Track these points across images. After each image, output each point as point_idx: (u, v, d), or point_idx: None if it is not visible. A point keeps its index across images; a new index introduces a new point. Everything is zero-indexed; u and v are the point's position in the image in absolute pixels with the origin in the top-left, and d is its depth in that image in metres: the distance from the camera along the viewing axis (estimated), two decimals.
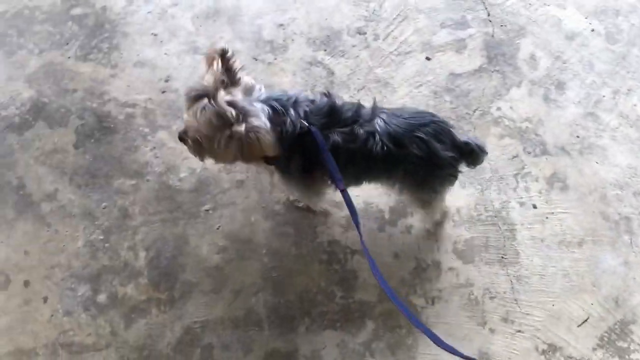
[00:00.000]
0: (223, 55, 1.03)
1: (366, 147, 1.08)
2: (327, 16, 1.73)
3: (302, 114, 1.10)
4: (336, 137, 1.09)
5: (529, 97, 1.65)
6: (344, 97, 1.67)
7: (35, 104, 1.63)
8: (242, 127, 1.00)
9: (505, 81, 1.67)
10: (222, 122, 1.01)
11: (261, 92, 1.09)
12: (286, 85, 1.67)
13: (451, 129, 1.15)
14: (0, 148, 1.57)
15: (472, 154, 1.16)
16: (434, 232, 1.51)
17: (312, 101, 1.13)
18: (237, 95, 1.04)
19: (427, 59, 1.70)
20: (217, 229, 1.54)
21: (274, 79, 1.68)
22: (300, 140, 1.09)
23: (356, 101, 1.15)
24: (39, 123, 1.59)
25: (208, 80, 1.02)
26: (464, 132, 1.45)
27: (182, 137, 1.10)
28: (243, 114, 1.01)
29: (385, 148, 1.08)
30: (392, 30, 1.73)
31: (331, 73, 1.66)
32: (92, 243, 1.50)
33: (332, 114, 1.11)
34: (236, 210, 1.55)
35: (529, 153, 1.58)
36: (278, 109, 1.07)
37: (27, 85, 1.64)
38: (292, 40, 1.70)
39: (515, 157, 1.58)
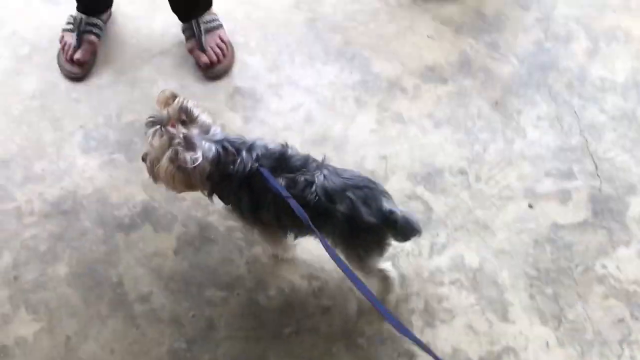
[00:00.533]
0: (174, 98, 1.20)
1: (303, 194, 1.17)
2: (430, 153, 1.79)
3: (254, 156, 1.21)
4: (280, 180, 1.18)
5: (638, 258, 1.58)
6: (442, 235, 1.66)
7: (146, 208, 1.76)
8: (167, 156, 1.15)
9: (612, 238, 1.63)
10: (167, 148, 1.14)
11: (217, 132, 1.24)
12: None
13: (383, 197, 1.20)
14: (108, 245, 1.65)
15: (396, 226, 1.18)
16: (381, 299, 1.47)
17: (267, 147, 1.24)
18: (193, 131, 1.18)
19: (530, 206, 1.69)
20: (297, 354, 1.54)
21: None
22: (249, 181, 1.20)
23: (304, 153, 1.27)
24: (145, 226, 1.69)
25: (167, 112, 1.17)
26: (407, 209, 1.40)
27: (143, 158, 1.27)
28: (187, 146, 1.14)
29: (317, 199, 1.16)
30: (495, 174, 1.75)
31: (429, 209, 1.69)
32: (175, 351, 1.55)
33: (281, 160, 1.23)
34: (318, 338, 1.56)
35: (637, 319, 1.49)
36: (229, 150, 1.21)
37: (142, 189, 1.77)
38: (393, 172, 1.76)
39: (620, 321, 1.50)
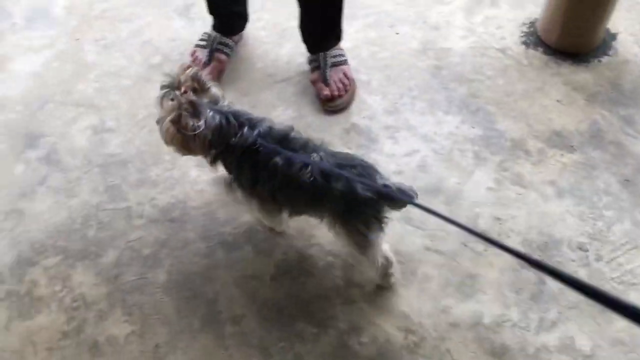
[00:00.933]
0: (195, 72, 1.27)
1: (299, 174, 1.22)
2: (549, 223, 1.71)
3: (255, 132, 1.27)
4: (278, 159, 1.24)
5: None
6: (552, 311, 1.62)
7: (250, 230, 1.79)
8: (170, 118, 1.22)
9: None
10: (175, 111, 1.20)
11: (225, 104, 1.31)
12: (490, 281, 1.67)
13: (376, 173, 1.25)
14: (209, 259, 1.67)
15: (391, 197, 1.21)
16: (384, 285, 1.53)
17: (271, 127, 1.30)
18: (202, 99, 1.25)
19: None
20: None
21: (479, 270, 1.67)
22: (250, 155, 1.27)
23: (306, 137, 1.33)
24: (247, 247, 1.70)
25: (180, 78, 1.23)
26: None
27: (157, 121, 1.31)
28: (193, 111, 1.20)
29: (313, 179, 1.21)
30: (618, 256, 1.65)
31: (542, 281, 1.60)
32: None
33: (282, 140, 1.28)
34: None
35: None
36: (232, 122, 1.27)
37: (249, 212, 1.77)
38: (508, 236, 1.69)
39: None
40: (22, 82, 2.21)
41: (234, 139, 1.26)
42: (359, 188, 1.20)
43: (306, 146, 1.28)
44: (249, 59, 2.22)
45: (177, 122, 1.20)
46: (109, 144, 2.01)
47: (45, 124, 2.03)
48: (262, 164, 1.26)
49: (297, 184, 1.23)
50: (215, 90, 1.30)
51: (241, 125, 1.27)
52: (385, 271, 1.51)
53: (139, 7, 2.39)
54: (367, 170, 1.25)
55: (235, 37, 2.18)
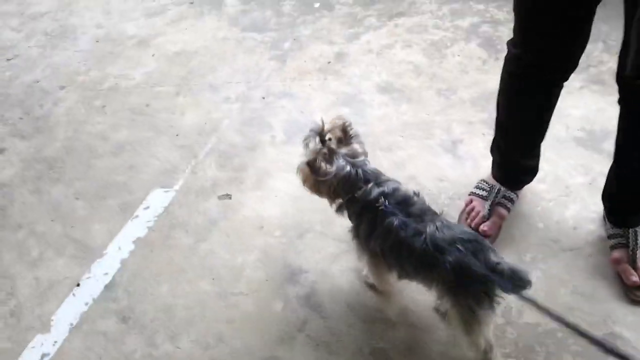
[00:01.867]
0: (344, 123, 1.39)
1: (412, 240, 1.29)
2: None
3: (378, 191, 1.38)
4: (394, 219, 1.32)
5: None
6: None
7: None
8: (305, 159, 1.38)
9: None
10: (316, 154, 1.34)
11: (361, 160, 1.42)
12: None
13: (491, 251, 1.26)
14: None
15: (503, 275, 1.20)
16: None
17: (396, 189, 1.40)
18: (341, 150, 1.40)
19: None
20: None
21: None
22: (370, 212, 1.37)
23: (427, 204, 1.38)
24: None
25: (327, 127, 1.37)
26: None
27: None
28: (329, 157, 1.36)
29: (425, 247, 1.26)
30: None
31: None
32: None
33: (403, 203, 1.35)
34: None
35: None
36: (359, 175, 1.39)
37: None
38: None
39: None
40: (281, 203, 2.14)
41: (358, 192, 1.37)
42: (472, 263, 1.21)
43: (424, 213, 1.33)
44: (528, 217, 1.96)
45: (312, 165, 1.33)
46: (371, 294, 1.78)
47: (304, 257, 1.87)
48: (379, 221, 1.34)
49: (408, 248, 1.29)
50: (357, 145, 1.41)
51: (367, 181, 1.38)
52: (485, 356, 1.42)
53: (400, 137, 2.21)
54: (481, 247, 1.26)
55: (519, 191, 1.89)
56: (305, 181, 1.44)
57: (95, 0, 3.34)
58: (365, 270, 1.67)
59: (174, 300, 1.82)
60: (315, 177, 1.36)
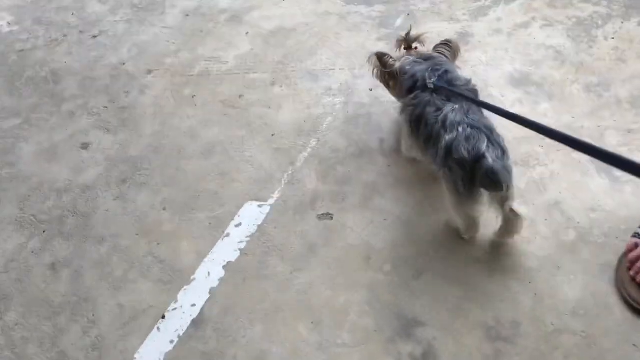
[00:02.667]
0: (445, 42, 1.73)
1: (430, 115, 1.57)
2: None
3: (435, 77, 1.59)
4: (427, 95, 1.58)
5: None
6: None
7: None
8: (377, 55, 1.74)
9: None
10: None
11: (439, 63, 1.65)
12: None
13: (489, 143, 1.42)
14: None
15: (481, 169, 1.41)
16: None
17: (448, 71, 1.63)
18: (410, 54, 1.73)
19: None
20: None
21: None
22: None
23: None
24: None
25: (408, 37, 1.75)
26: None
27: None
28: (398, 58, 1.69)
29: (435, 122, 1.53)
30: None
31: None
32: None
33: (448, 82, 1.59)
34: None
35: None
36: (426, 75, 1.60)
37: None
38: None
39: None
40: (391, 229, 1.86)
41: (419, 84, 1.57)
42: (462, 146, 1.40)
43: (461, 95, 1.50)
44: None
45: (380, 58, 1.71)
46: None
47: (421, 304, 1.62)
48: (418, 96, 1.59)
49: (426, 122, 1.54)
50: (436, 54, 1.68)
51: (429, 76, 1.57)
52: (507, 227, 1.60)
53: (539, 147, 1.86)
54: (481, 136, 1.41)
55: None
56: (376, 73, 1.76)
57: None
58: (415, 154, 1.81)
59: (269, 346, 1.63)
60: (384, 69, 1.68)
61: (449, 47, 1.69)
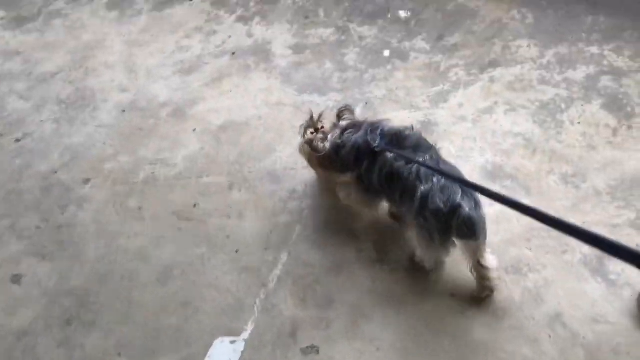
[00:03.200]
0: (344, 109, 1.80)
1: (403, 169, 1.57)
2: None
3: (378, 140, 1.62)
4: (388, 154, 1.59)
5: None
6: None
7: None
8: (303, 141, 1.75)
9: None
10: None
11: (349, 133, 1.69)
12: None
13: (464, 194, 1.50)
14: None
15: (457, 219, 1.50)
16: None
17: (389, 128, 1.67)
18: (335, 132, 1.73)
19: None
20: None
21: None
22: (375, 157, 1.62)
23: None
24: None
25: (315, 118, 1.77)
26: None
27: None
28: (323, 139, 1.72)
29: (410, 175, 1.56)
30: None
31: None
32: None
33: (395, 139, 1.64)
34: None
35: None
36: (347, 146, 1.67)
37: None
38: None
39: None
40: None
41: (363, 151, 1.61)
42: (437, 197, 1.47)
43: (419, 146, 1.58)
44: None
45: (310, 143, 1.70)
46: None
47: None
48: (377, 159, 1.62)
49: (398, 177, 1.55)
50: (343, 123, 1.72)
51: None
52: (481, 285, 1.67)
53: (527, 249, 1.87)
54: (455, 187, 1.46)
55: None
56: (308, 158, 1.77)
57: (115, 54, 2.80)
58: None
59: None
60: (315, 153, 1.68)
61: (350, 112, 1.77)
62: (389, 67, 2.53)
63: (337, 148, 1.68)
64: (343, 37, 2.70)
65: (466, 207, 1.45)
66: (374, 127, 1.63)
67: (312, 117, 1.77)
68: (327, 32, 2.73)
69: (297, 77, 2.55)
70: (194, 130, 2.39)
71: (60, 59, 2.82)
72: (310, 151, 1.72)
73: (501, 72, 2.41)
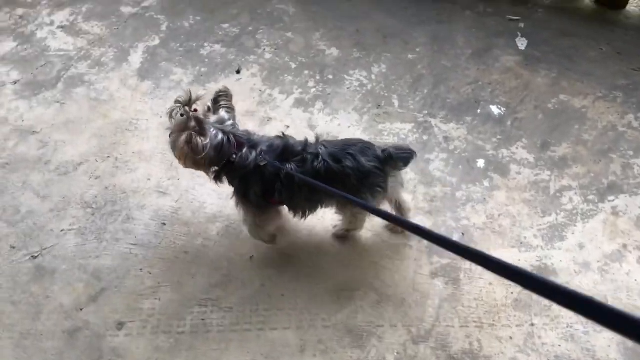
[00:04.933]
0: (222, 93, 1.70)
1: (313, 167, 1.64)
2: None
3: (258, 152, 1.67)
4: (291, 165, 1.65)
5: None
6: None
7: None
8: (184, 134, 1.57)
9: None
10: (184, 127, 1.58)
11: (230, 124, 1.68)
12: None
13: (374, 146, 1.68)
14: None
15: (392, 159, 1.69)
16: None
17: (270, 144, 1.71)
18: (210, 118, 1.66)
19: None
20: None
21: None
22: (258, 172, 1.67)
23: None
24: None
25: (193, 96, 1.59)
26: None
27: (170, 134, 1.64)
28: (200, 129, 1.59)
29: (326, 164, 1.63)
30: None
31: None
32: None
33: (285, 150, 1.68)
34: None
35: None
36: (232, 141, 1.66)
37: None
38: None
39: None
40: None
41: (234, 157, 1.65)
42: (364, 161, 1.64)
43: (307, 145, 1.68)
44: None
45: (189, 142, 1.56)
46: None
47: None
48: (273, 176, 1.68)
49: (313, 176, 1.61)
50: (223, 113, 1.67)
51: (241, 145, 1.65)
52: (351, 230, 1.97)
53: None
54: (366, 145, 1.67)
55: None
56: (183, 157, 1.62)
57: (151, 141, 2.53)
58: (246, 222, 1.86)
59: None
60: (194, 154, 1.58)
61: (226, 96, 1.71)
62: (486, 183, 2.11)
63: (219, 148, 1.65)
64: (425, 137, 2.29)
65: (388, 147, 1.72)
66: (252, 143, 1.70)
67: (190, 95, 1.60)
68: (405, 129, 2.33)
69: None
70: (251, 257, 1.95)
71: (84, 144, 2.38)
72: (189, 152, 1.60)
73: (625, 202, 2.00)
